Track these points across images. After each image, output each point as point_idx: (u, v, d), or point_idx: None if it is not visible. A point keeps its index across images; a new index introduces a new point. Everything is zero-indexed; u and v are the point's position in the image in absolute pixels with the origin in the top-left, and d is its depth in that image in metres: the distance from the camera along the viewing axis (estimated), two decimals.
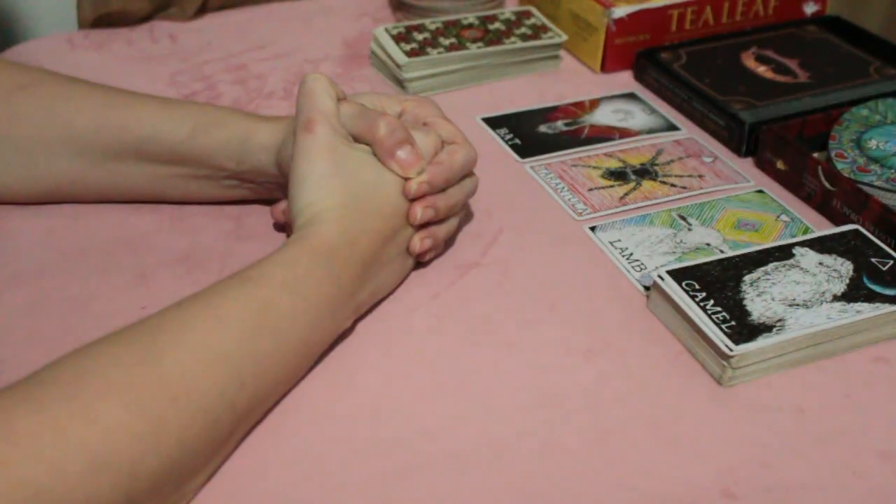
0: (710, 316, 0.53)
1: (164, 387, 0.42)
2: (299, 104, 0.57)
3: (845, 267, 0.58)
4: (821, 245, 0.59)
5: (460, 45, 0.82)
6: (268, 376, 0.47)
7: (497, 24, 0.86)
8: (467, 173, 0.60)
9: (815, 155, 0.69)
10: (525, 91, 0.83)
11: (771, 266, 0.57)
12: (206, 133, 0.61)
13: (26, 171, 0.62)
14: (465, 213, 0.64)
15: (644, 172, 0.71)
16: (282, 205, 0.61)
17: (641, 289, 0.59)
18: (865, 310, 0.54)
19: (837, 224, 0.65)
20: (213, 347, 0.45)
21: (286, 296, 0.49)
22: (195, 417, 0.43)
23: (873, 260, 0.58)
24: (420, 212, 0.56)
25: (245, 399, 0.46)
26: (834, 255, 0.58)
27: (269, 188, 0.63)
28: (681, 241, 0.63)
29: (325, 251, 0.51)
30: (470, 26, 0.86)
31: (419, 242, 0.57)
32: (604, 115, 0.78)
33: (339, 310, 0.52)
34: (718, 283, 0.56)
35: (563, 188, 0.69)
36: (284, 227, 0.62)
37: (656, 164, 0.72)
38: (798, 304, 0.55)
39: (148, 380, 0.42)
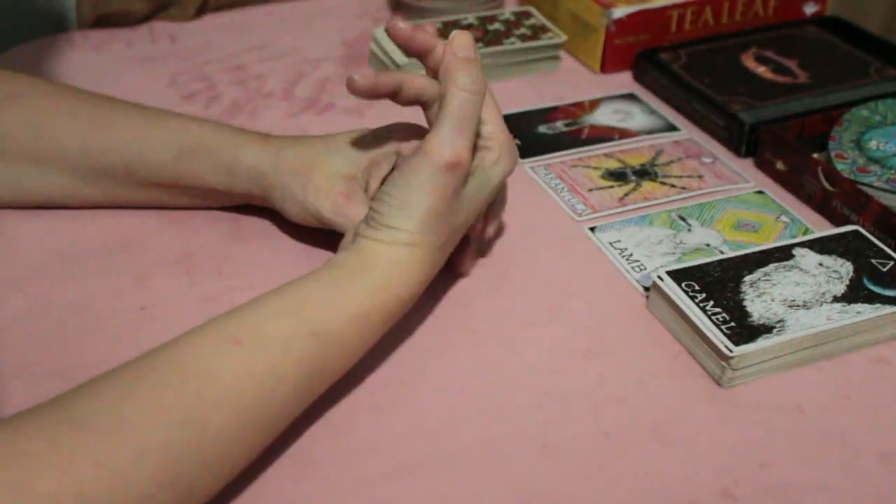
0: (709, 317, 0.53)
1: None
2: (452, 116, 0.51)
3: (845, 268, 0.58)
4: (821, 246, 0.59)
5: None
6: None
7: (496, 25, 0.86)
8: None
9: (815, 156, 0.69)
10: (524, 91, 0.83)
11: (771, 267, 0.57)
12: (190, 158, 0.60)
13: (16, 183, 0.62)
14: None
15: (644, 173, 0.71)
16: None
17: (641, 289, 0.59)
18: (865, 311, 0.54)
19: (837, 225, 0.65)
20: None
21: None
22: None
23: (873, 261, 0.58)
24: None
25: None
26: (834, 256, 0.58)
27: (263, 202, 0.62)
28: (681, 242, 0.63)
29: (396, 276, 0.51)
30: (469, 27, 0.86)
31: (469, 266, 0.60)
32: (603, 116, 0.78)
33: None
34: (718, 283, 0.56)
35: (563, 188, 0.69)
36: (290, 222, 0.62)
37: (656, 165, 0.72)
38: (798, 305, 0.55)
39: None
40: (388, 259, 0.50)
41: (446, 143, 0.50)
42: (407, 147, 0.59)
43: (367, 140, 0.59)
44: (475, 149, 0.53)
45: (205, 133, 0.60)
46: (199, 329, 0.46)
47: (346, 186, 0.58)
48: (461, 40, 0.53)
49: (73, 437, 0.38)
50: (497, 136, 0.55)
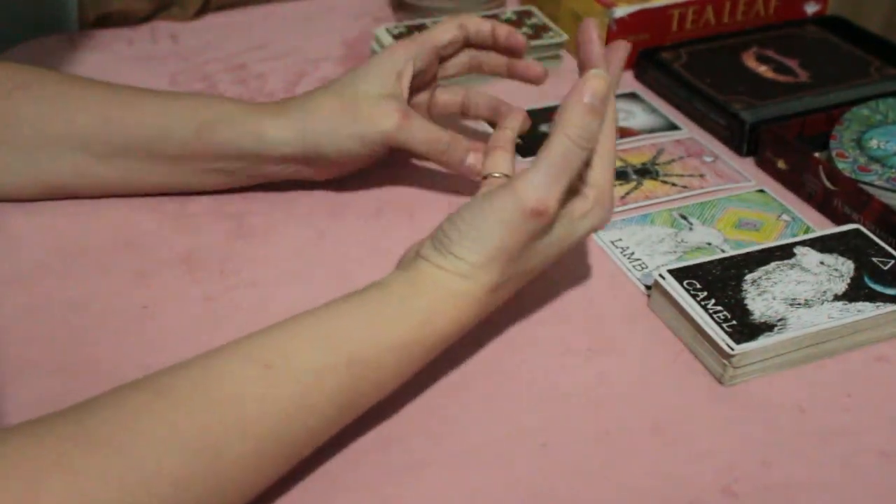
0: (711, 315, 0.53)
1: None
2: (551, 162, 0.48)
3: (846, 266, 0.58)
4: (822, 244, 0.59)
5: None
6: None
7: None
8: None
9: (816, 154, 0.69)
10: (526, 91, 0.82)
11: (772, 265, 0.57)
12: (212, 131, 0.60)
13: (28, 169, 0.62)
14: None
15: (645, 172, 0.71)
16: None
17: (642, 288, 0.59)
18: (866, 309, 0.54)
19: (838, 223, 0.65)
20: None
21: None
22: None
23: (874, 259, 0.58)
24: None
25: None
26: (835, 255, 0.58)
27: (290, 171, 0.63)
28: (682, 241, 0.63)
29: (444, 309, 0.48)
30: None
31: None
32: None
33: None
34: (719, 282, 0.56)
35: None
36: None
37: (657, 164, 0.72)
38: (799, 304, 0.55)
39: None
40: (441, 287, 0.48)
41: (536, 188, 0.47)
42: (419, 54, 0.62)
43: (383, 60, 0.62)
44: (572, 192, 0.51)
45: (224, 106, 0.62)
46: (230, 347, 0.44)
47: (397, 104, 0.60)
48: (594, 85, 0.48)
49: (83, 453, 0.37)
50: (598, 186, 0.52)
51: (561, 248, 0.52)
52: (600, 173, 0.52)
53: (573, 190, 0.51)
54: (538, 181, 0.48)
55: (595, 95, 0.48)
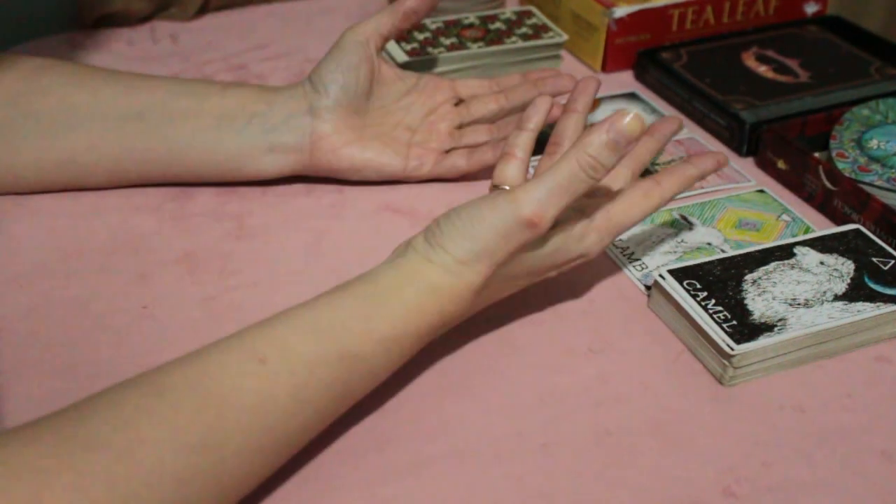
0: (711, 315, 0.53)
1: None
2: (555, 181, 0.48)
3: (846, 266, 0.58)
4: (822, 244, 0.59)
5: (461, 45, 0.82)
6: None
7: (498, 24, 0.86)
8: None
9: (816, 155, 0.69)
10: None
11: (772, 265, 0.57)
12: (237, 87, 0.64)
13: (42, 141, 0.63)
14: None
15: (645, 172, 0.71)
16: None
17: (643, 288, 0.59)
18: (866, 309, 0.54)
19: (838, 224, 0.65)
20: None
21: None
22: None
23: (874, 259, 0.58)
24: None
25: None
26: (835, 255, 0.58)
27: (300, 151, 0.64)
28: (682, 241, 0.63)
29: (431, 301, 0.49)
30: (471, 26, 0.86)
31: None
32: (605, 115, 0.78)
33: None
34: (720, 282, 0.56)
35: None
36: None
37: (657, 164, 0.72)
38: (799, 304, 0.55)
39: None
40: (428, 281, 0.48)
41: (535, 200, 0.48)
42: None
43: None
44: (580, 211, 0.53)
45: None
46: (225, 343, 0.44)
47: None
48: (624, 125, 0.47)
49: (87, 456, 0.37)
50: (611, 221, 0.54)
51: (550, 263, 0.53)
52: (621, 210, 0.54)
53: (581, 210, 0.53)
54: (538, 193, 0.48)
55: (620, 133, 0.48)
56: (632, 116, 0.48)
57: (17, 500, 0.35)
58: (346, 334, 0.46)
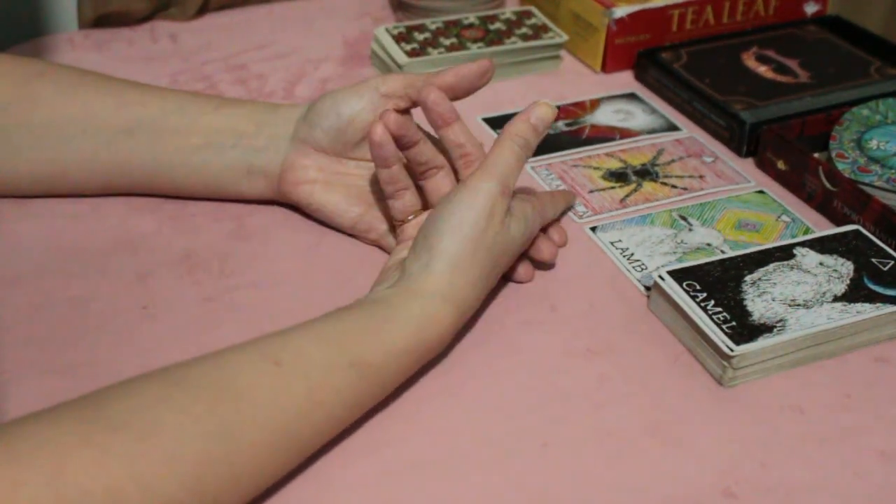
0: (710, 316, 0.53)
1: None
2: (503, 157, 0.54)
3: (846, 267, 0.58)
4: (821, 245, 0.59)
5: (461, 45, 0.82)
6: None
7: (498, 24, 0.86)
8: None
9: (816, 155, 0.69)
10: (525, 91, 0.83)
11: (772, 266, 0.57)
12: (231, 105, 0.63)
13: (36, 153, 0.62)
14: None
15: (645, 173, 0.71)
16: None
17: (642, 289, 0.59)
18: (866, 310, 0.54)
19: (838, 224, 0.65)
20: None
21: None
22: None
23: (874, 260, 0.58)
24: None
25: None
26: (835, 256, 0.58)
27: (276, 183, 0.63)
28: (682, 242, 0.63)
29: (438, 312, 0.51)
30: (471, 26, 0.86)
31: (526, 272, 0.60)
32: (604, 115, 0.78)
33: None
34: (719, 283, 0.56)
35: (564, 189, 0.69)
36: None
37: (657, 165, 0.72)
38: (799, 305, 0.55)
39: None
40: (430, 294, 0.50)
41: (504, 174, 0.53)
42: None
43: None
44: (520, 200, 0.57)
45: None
46: (241, 346, 0.46)
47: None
48: (541, 111, 0.56)
49: (108, 435, 0.38)
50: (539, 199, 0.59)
51: (528, 230, 0.56)
52: (550, 204, 0.61)
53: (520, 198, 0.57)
54: (502, 169, 0.53)
55: (540, 119, 0.56)
56: (545, 105, 0.56)
57: (39, 471, 0.36)
58: (359, 344, 0.48)
